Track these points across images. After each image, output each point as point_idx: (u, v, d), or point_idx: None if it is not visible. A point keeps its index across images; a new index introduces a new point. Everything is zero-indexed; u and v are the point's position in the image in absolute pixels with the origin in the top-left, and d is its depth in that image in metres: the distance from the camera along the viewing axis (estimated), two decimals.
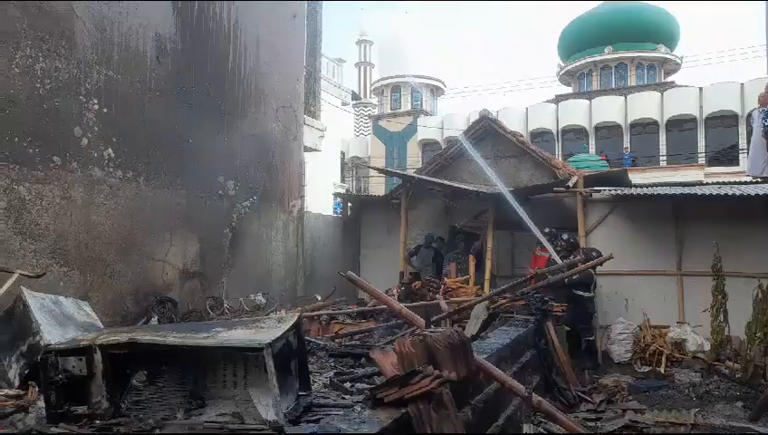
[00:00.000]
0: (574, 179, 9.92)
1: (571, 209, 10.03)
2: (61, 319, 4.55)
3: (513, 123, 21.59)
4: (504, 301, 7.12)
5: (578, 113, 28.03)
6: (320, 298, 9.39)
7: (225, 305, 7.87)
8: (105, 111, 6.48)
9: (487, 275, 9.85)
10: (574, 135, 28.26)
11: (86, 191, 6.26)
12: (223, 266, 8.47)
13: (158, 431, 3.18)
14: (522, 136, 12.64)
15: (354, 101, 30.82)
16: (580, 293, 8.48)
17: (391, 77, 33.68)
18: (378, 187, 27.61)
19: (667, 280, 9.25)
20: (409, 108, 33.23)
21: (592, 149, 27.06)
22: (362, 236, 12.68)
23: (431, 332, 3.55)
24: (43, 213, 5.79)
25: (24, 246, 5.62)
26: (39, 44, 5.78)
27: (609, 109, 27.46)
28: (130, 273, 6.83)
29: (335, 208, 18.78)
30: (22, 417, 3.67)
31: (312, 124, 12.71)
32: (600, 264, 7.28)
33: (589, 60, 32.27)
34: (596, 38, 31.53)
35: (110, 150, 6.55)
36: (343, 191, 20.58)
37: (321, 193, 18.19)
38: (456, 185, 10.72)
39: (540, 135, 28.07)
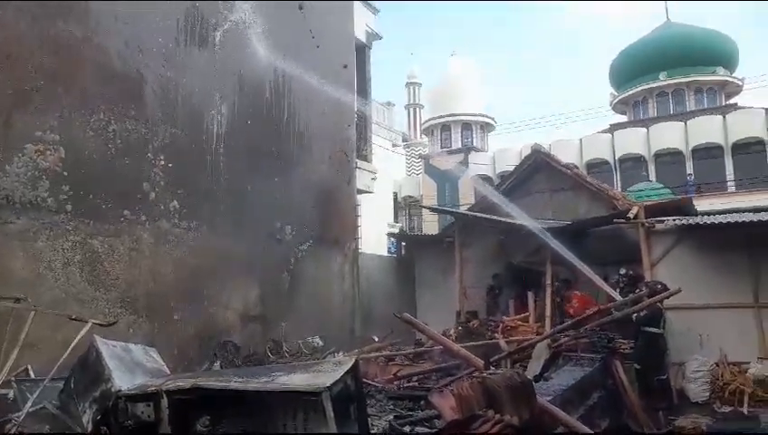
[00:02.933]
0: (635, 210, 9.58)
1: (633, 242, 9.65)
2: (130, 366, 4.72)
3: (567, 156, 21.17)
4: (566, 339, 6.87)
5: (635, 142, 27.25)
6: (377, 339, 9.35)
7: (285, 348, 7.98)
8: (170, 165, 6.88)
9: (547, 312, 9.55)
10: (633, 164, 27.40)
11: (153, 242, 6.60)
12: (282, 309, 8.62)
13: None
14: (576, 168, 12.42)
15: (405, 142, 31.23)
16: (649, 329, 8.06)
17: (441, 116, 34.02)
18: (431, 225, 27.54)
19: (743, 313, 8.66)
20: (460, 146, 33.32)
21: (652, 177, 26.13)
22: (417, 276, 12.63)
23: (490, 373, 3.48)
24: (115, 264, 6.14)
25: (96, 296, 5.95)
26: (111, 108, 6.27)
27: (669, 135, 26.56)
28: (194, 318, 7.07)
29: (389, 248, 18.83)
30: None
31: (365, 167, 12.95)
32: (668, 297, 6.93)
33: (643, 87, 31.50)
34: (650, 65, 30.83)
35: (175, 202, 6.92)
36: (396, 231, 20.65)
37: (374, 234, 18.33)
38: (509, 221, 10.57)
39: (596, 166, 27.38)
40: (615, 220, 9.59)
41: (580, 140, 28.59)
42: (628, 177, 26.66)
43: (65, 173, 5.79)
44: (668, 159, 26.90)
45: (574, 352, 6.77)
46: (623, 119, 33.23)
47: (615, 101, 33.85)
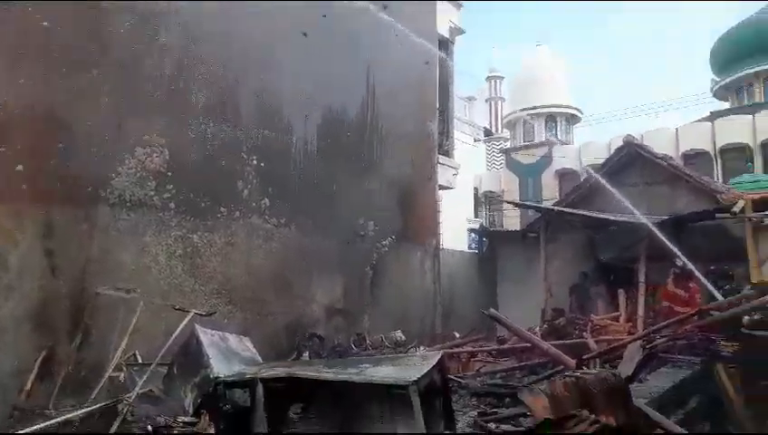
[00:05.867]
0: (741, 204, 8.91)
1: (738, 238, 8.97)
2: (227, 354, 5.01)
3: (661, 147, 19.87)
4: (662, 340, 6.51)
5: (739, 130, 25.16)
6: (458, 335, 9.31)
7: (368, 342, 8.13)
8: (262, 165, 7.23)
9: (640, 312, 9.09)
10: (736, 154, 25.33)
11: (246, 237, 6.96)
12: (365, 304, 8.79)
13: None
14: (673, 159, 11.70)
15: (486, 137, 30.69)
16: (757, 332, 7.46)
17: (523, 109, 33.09)
18: (512, 220, 26.96)
19: None
20: (543, 139, 32.25)
21: (759, 168, 24.02)
22: (499, 272, 12.44)
23: (583, 373, 3.38)
24: (212, 258, 6.54)
25: (196, 288, 6.37)
26: (209, 113, 6.67)
27: None
28: (283, 310, 7.38)
29: (470, 244, 18.64)
30: None
31: (446, 163, 12.89)
32: None
33: (749, 71, 29.00)
34: (757, 47, 28.30)
35: (265, 200, 7.25)
36: (477, 227, 20.38)
37: (455, 229, 18.21)
38: (599, 215, 10.14)
39: (694, 157, 25.58)
40: (718, 215, 8.96)
41: (676, 129, 26.80)
42: (730, 168, 24.70)
43: (169, 173, 6.23)
44: None
45: (671, 354, 6.40)
46: (725, 106, 30.79)
47: (716, 86, 31.41)
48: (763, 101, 28.15)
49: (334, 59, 8.46)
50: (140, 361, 5.38)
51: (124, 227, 5.87)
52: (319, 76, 8.20)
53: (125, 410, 4.49)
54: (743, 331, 7.40)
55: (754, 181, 18.48)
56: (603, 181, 10.34)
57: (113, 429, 4.36)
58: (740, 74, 29.54)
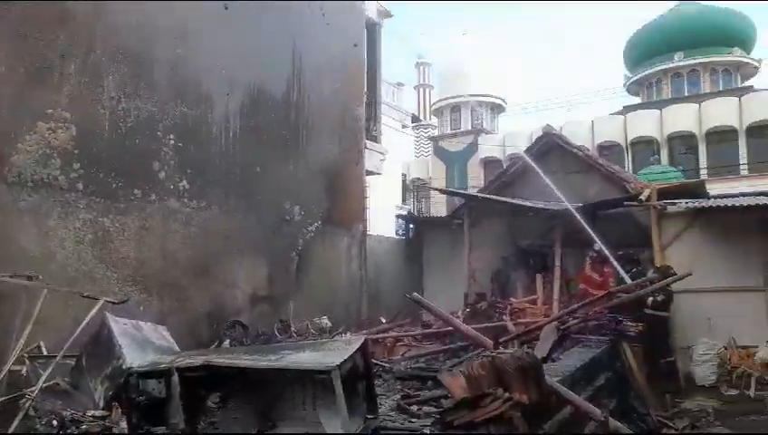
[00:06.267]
0: (647, 193, 9.53)
1: (643, 225, 9.60)
2: (141, 343, 4.78)
3: (578, 137, 20.95)
4: (575, 321, 6.87)
5: (648, 124, 26.94)
6: (384, 321, 9.39)
7: (293, 328, 8.02)
8: (180, 144, 6.88)
9: (555, 295, 9.55)
10: (645, 147, 27.11)
11: (163, 221, 6.62)
12: (290, 290, 8.65)
13: None
14: (588, 150, 12.32)
15: (414, 124, 31.00)
16: (657, 313, 8.06)
17: (451, 97, 33.67)
18: (439, 207, 27.50)
19: (753, 297, 8.63)
20: (469, 127, 33.03)
21: (665, 160, 25.86)
22: (425, 258, 12.65)
23: (500, 353, 3.48)
24: (125, 242, 6.18)
25: (107, 275, 6.00)
26: (122, 86, 6.25)
27: (683, 118, 26.23)
28: (204, 297, 7.11)
29: (397, 230, 18.85)
30: None
31: (374, 148, 12.88)
32: (678, 281, 6.90)
33: (658, 68, 31.03)
34: (665, 45, 30.35)
35: (184, 182, 6.92)
36: (405, 213, 20.64)
37: (382, 215, 18.35)
38: (521, 202, 10.53)
39: (608, 148, 27.12)
40: (626, 203, 9.53)
41: (592, 121, 28.30)
42: (639, 160, 26.42)
43: (76, 151, 5.81)
44: (681, 142, 26.62)
45: (583, 334, 6.77)
46: (637, 100, 32.82)
47: (629, 82, 33.42)
48: (670, 96, 30.22)
49: (258, 37, 8.19)
50: (45, 352, 5.04)
51: (25, 208, 5.42)
52: (242, 54, 7.90)
53: (27, 404, 4.20)
54: (646, 311, 8.01)
55: (660, 173, 19.91)
56: (534, 165, 10.71)
57: (14, 425, 4.07)
58: (650, 71, 31.56)
